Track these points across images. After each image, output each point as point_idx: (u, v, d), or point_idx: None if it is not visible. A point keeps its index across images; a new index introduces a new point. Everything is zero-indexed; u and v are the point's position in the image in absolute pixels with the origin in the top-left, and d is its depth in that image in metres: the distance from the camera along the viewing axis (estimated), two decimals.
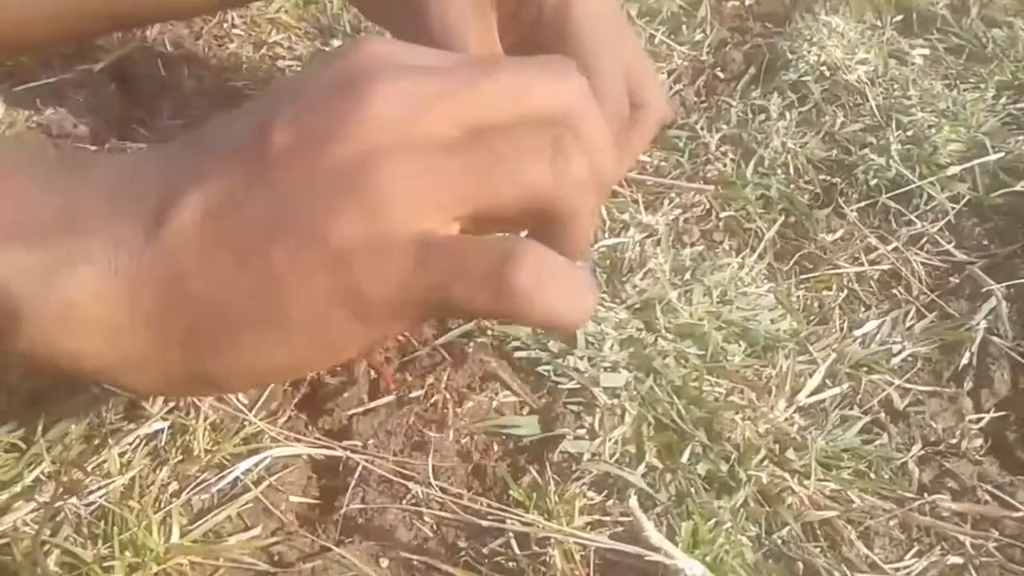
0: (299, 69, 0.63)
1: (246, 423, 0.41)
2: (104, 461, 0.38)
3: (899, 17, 0.70)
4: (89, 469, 0.38)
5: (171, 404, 0.40)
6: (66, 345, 0.27)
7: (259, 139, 0.27)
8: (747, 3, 0.71)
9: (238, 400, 0.42)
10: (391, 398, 0.43)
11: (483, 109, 0.29)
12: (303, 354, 0.29)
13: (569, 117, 0.29)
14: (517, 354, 0.45)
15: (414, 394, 0.43)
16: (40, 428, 0.39)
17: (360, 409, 0.42)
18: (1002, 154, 0.57)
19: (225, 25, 0.67)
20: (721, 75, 0.65)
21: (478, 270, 0.27)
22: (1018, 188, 0.56)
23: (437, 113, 0.28)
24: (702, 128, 0.60)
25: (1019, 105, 0.62)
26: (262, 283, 0.27)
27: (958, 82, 0.64)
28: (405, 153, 0.27)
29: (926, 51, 0.67)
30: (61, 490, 0.36)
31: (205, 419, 0.40)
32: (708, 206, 0.55)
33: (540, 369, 0.44)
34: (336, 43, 0.65)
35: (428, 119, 0.28)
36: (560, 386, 0.43)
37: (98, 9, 0.48)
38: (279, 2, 0.68)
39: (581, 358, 0.44)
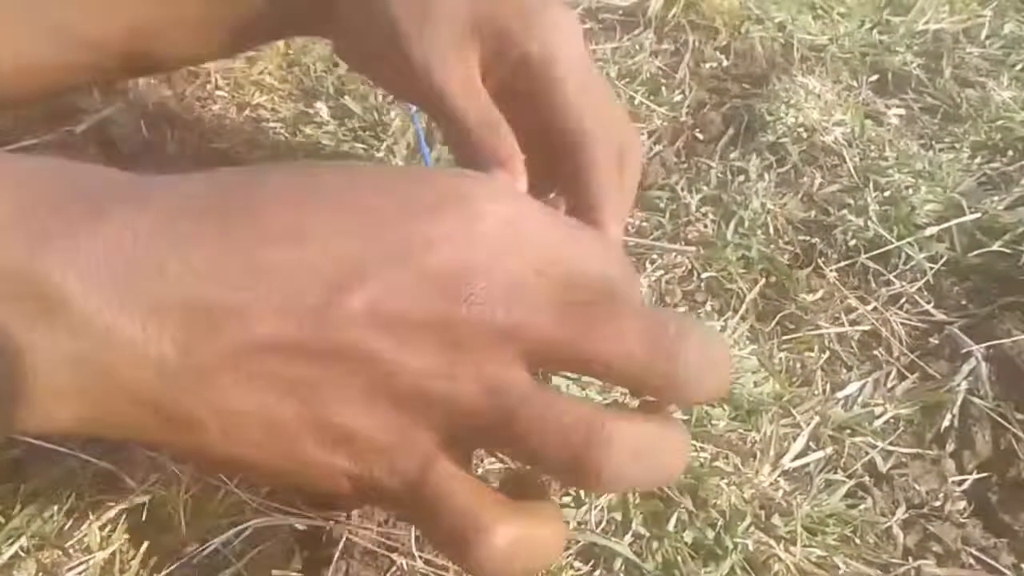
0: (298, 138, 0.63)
1: (228, 494, 0.40)
2: (85, 536, 0.38)
3: (874, 77, 0.72)
4: (69, 545, 0.37)
5: (152, 477, 0.40)
6: None
7: (328, 305, 0.27)
8: (724, 64, 0.72)
9: None
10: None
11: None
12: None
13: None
14: None
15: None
16: (19, 502, 0.39)
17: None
18: (978, 214, 0.58)
19: (208, 86, 0.67)
20: (700, 136, 0.66)
21: (450, 527, 0.28)
22: (995, 248, 0.56)
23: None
24: (682, 189, 0.60)
25: (993, 165, 0.63)
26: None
27: (934, 142, 0.65)
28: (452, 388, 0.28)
29: (901, 111, 0.69)
30: (41, 574, 0.35)
31: (186, 491, 0.40)
32: (690, 267, 0.56)
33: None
34: (320, 105, 0.65)
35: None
36: None
37: (109, 51, 0.47)
38: (262, 63, 0.69)
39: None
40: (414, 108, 0.60)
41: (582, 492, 0.42)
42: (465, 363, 0.28)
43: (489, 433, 0.29)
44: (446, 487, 0.29)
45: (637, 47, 0.73)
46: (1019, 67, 0.72)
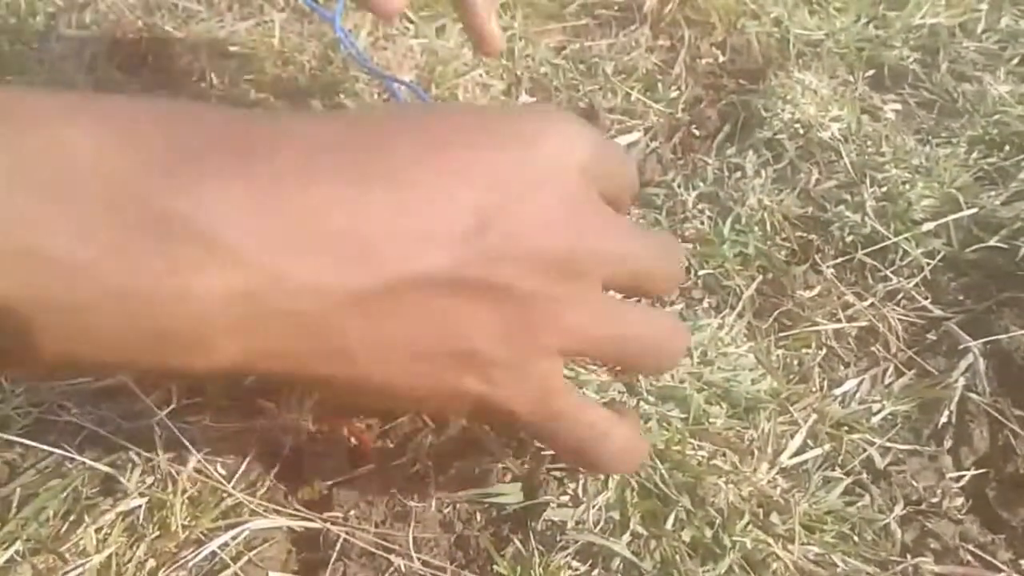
0: None
1: (225, 495, 0.40)
2: (81, 539, 0.38)
3: (870, 72, 0.71)
4: (65, 548, 0.37)
5: (149, 479, 0.40)
6: None
7: (475, 232, 0.31)
8: (720, 60, 0.72)
9: (217, 471, 0.41)
10: (372, 466, 0.43)
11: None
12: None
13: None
14: None
15: (396, 462, 0.43)
16: (15, 504, 0.39)
17: (341, 478, 0.42)
18: (975, 209, 0.58)
19: (203, 84, 0.67)
20: (697, 132, 0.66)
21: (578, 430, 0.35)
22: (992, 243, 0.56)
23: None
24: (679, 186, 0.60)
25: (990, 160, 0.63)
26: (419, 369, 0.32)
27: (930, 137, 0.65)
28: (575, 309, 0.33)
29: (898, 106, 0.68)
30: (33, 573, 0.35)
31: (183, 492, 0.40)
32: (687, 263, 0.56)
33: (523, 435, 0.44)
34: (315, 103, 0.65)
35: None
36: (543, 451, 0.43)
37: None
38: (257, 61, 0.68)
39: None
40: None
41: (579, 491, 0.42)
42: (588, 290, 0.34)
43: (604, 349, 0.35)
44: (567, 404, 0.35)
45: (633, 43, 0.73)
46: (1015, 61, 0.72)
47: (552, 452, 0.43)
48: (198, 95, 0.66)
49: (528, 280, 0.32)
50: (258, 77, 0.67)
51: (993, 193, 0.59)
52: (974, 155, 0.63)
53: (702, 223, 0.58)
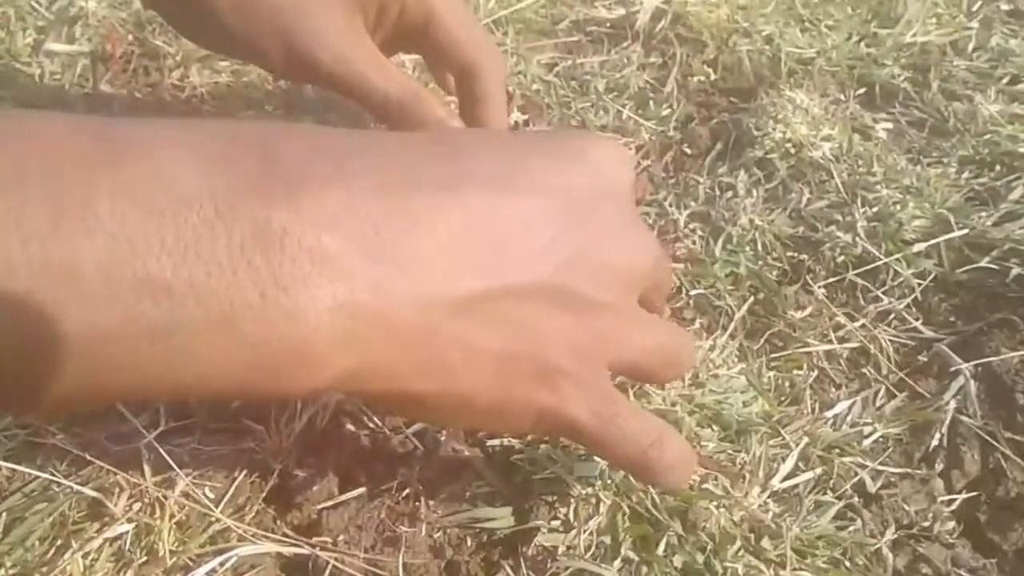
0: None
1: (213, 520, 0.40)
2: (67, 565, 0.37)
3: (862, 91, 0.72)
4: (52, 575, 0.37)
5: (136, 504, 0.40)
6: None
7: (559, 242, 0.33)
8: (712, 78, 0.72)
9: (205, 494, 0.41)
10: (362, 490, 0.42)
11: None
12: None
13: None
14: (490, 442, 0.45)
15: (385, 485, 0.43)
16: (0, 529, 0.38)
17: (330, 503, 0.42)
18: (966, 230, 0.58)
19: (194, 100, 0.67)
20: (688, 151, 0.65)
21: (636, 438, 0.35)
22: (983, 264, 0.56)
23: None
24: (671, 205, 0.60)
25: (981, 180, 0.63)
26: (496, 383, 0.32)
27: (921, 157, 0.65)
28: (632, 322, 0.36)
29: (889, 125, 0.69)
30: None
31: (171, 517, 0.40)
32: (678, 284, 0.56)
33: (513, 458, 0.44)
34: (306, 120, 0.65)
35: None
36: (533, 475, 0.43)
37: None
38: (248, 78, 0.68)
39: (555, 447, 0.44)
40: None
41: (571, 515, 0.42)
42: (635, 302, 0.36)
43: (647, 359, 0.37)
44: (624, 411, 0.35)
45: (625, 60, 0.73)
46: (1006, 80, 0.72)
47: (543, 475, 0.42)
48: (189, 110, 0.66)
49: (601, 291, 0.34)
50: (248, 92, 0.67)
51: (984, 214, 0.60)
52: (965, 175, 0.63)
53: (693, 243, 0.58)
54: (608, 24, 0.77)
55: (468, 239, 0.30)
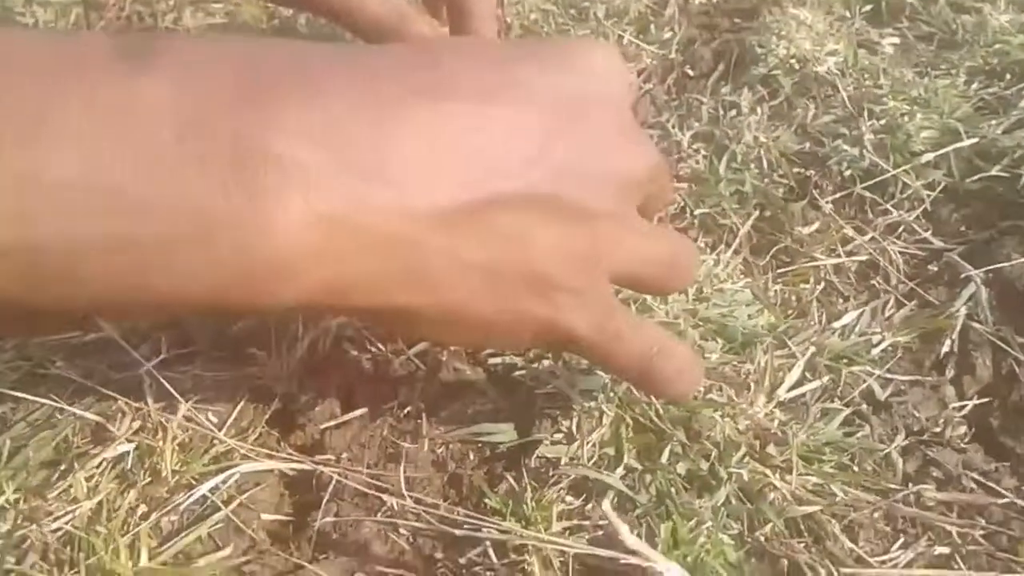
0: None
1: (216, 442, 0.40)
2: (70, 486, 0.37)
3: (868, 7, 0.70)
4: (55, 495, 0.37)
5: (137, 425, 0.40)
6: None
7: (546, 150, 0.31)
8: (714, 0, 0.71)
9: (207, 419, 0.41)
10: (364, 410, 0.42)
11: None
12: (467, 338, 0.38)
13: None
14: (491, 360, 0.44)
15: (387, 405, 0.43)
16: (4, 455, 0.39)
17: (333, 423, 0.42)
18: (975, 139, 0.57)
19: None
20: (691, 73, 0.64)
21: (638, 348, 0.35)
22: (993, 173, 0.55)
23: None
24: (674, 126, 0.59)
25: (991, 90, 0.61)
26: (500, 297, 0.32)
27: (929, 69, 0.63)
28: (630, 230, 0.35)
29: (896, 40, 0.67)
30: (22, 518, 0.35)
31: (173, 439, 0.40)
32: (682, 204, 0.55)
33: (515, 375, 0.43)
34: None
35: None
36: (536, 391, 0.43)
37: None
38: None
39: (557, 362, 0.43)
40: None
41: (573, 428, 0.41)
42: (634, 210, 0.35)
43: (649, 269, 0.36)
44: (625, 322, 0.35)
45: None
46: None
47: (545, 391, 0.42)
48: None
49: (596, 199, 0.32)
50: (242, 33, 0.66)
51: (994, 122, 0.58)
52: (974, 85, 0.62)
53: (697, 162, 0.57)
54: None
55: (450, 150, 0.30)
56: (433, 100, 0.30)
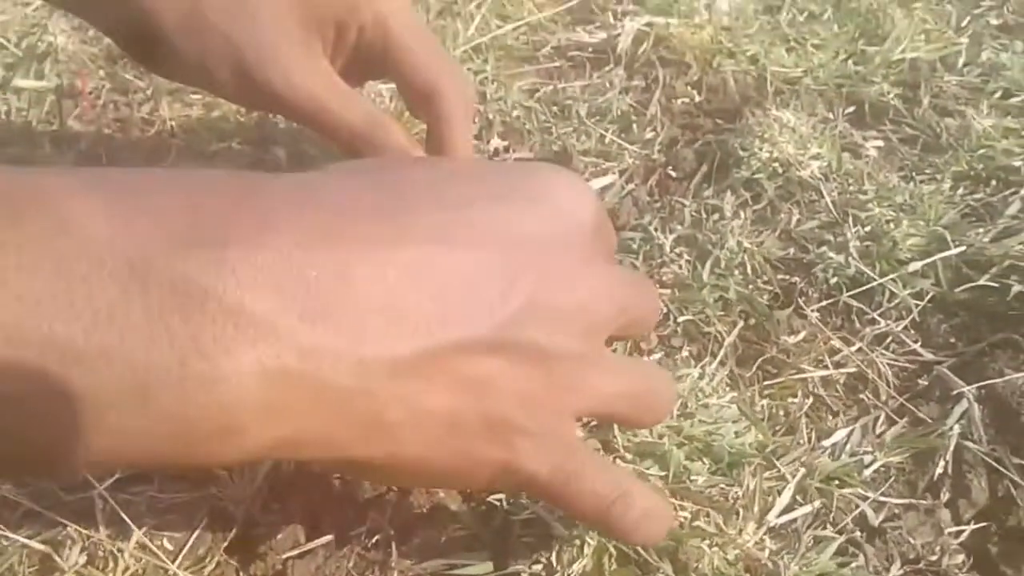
0: None
1: (170, 574, 0.37)
2: None
3: (851, 109, 0.70)
4: None
5: (85, 558, 0.37)
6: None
7: (508, 291, 0.30)
8: (696, 100, 0.70)
9: (163, 545, 0.39)
10: (330, 537, 0.40)
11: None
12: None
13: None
14: None
15: (355, 531, 0.40)
16: None
17: (296, 552, 0.39)
18: (963, 248, 0.56)
19: (164, 135, 0.65)
20: (673, 174, 0.63)
21: (600, 491, 0.34)
22: (982, 282, 0.54)
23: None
24: (656, 229, 0.58)
25: (976, 196, 0.61)
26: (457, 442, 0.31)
27: (914, 174, 0.63)
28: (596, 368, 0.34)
29: (880, 143, 0.67)
30: None
31: (124, 570, 0.37)
32: (665, 310, 0.53)
33: (492, 499, 0.41)
34: (278, 151, 0.63)
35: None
36: (512, 517, 0.40)
37: None
38: (219, 110, 0.66)
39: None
40: None
41: (553, 559, 0.39)
42: (601, 346, 0.34)
43: (616, 406, 0.35)
44: (585, 464, 0.34)
45: (607, 84, 0.71)
46: (998, 95, 0.71)
47: (523, 517, 0.40)
48: (159, 145, 0.64)
49: (559, 340, 0.31)
50: (220, 125, 0.65)
51: (981, 230, 0.57)
52: (960, 191, 0.61)
53: (680, 267, 0.56)
54: (590, 49, 0.76)
55: (407, 296, 0.29)
56: (392, 245, 0.29)
